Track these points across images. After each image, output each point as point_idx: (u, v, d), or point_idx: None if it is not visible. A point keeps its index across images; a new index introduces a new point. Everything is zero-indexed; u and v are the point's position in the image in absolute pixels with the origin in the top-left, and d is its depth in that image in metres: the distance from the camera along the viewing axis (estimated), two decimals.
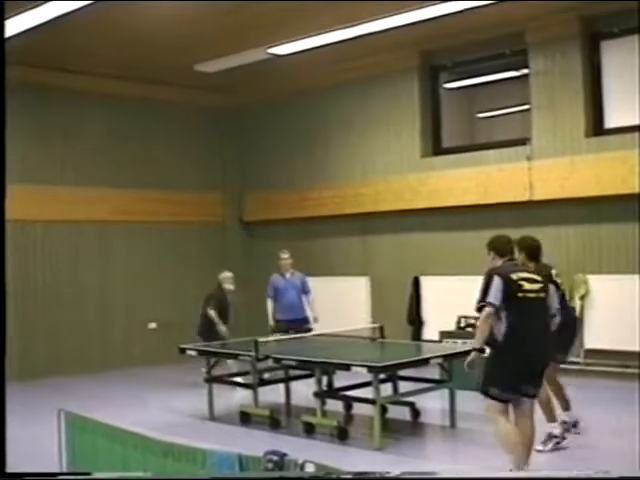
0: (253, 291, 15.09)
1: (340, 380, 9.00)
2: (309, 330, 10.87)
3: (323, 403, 8.54)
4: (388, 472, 3.18)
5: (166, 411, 10.00)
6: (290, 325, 10.95)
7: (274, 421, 8.76)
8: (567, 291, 8.60)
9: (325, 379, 8.87)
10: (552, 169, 11.13)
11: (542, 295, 6.27)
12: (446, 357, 8.55)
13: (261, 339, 8.91)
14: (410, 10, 9.81)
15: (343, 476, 3.42)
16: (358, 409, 8.97)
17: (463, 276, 11.99)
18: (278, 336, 10.60)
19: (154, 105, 14.06)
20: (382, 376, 8.15)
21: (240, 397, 9.82)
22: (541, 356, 6.28)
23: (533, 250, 7.45)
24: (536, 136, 11.48)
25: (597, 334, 10.59)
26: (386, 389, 8.60)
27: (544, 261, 7.62)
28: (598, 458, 7.14)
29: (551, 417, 7.50)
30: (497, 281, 6.12)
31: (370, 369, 7.69)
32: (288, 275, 11.51)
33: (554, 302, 6.55)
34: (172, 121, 14.43)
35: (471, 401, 9.13)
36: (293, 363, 8.69)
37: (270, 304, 11.42)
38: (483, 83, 13.10)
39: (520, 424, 6.27)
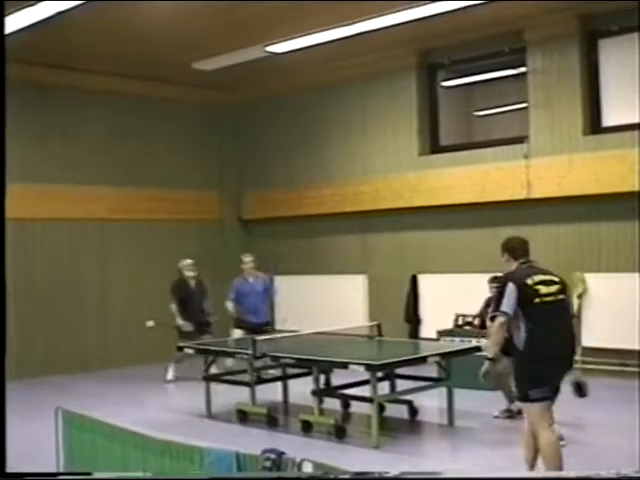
0: None
1: (338, 378, 9.00)
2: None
3: (321, 401, 8.54)
4: (387, 472, 3.17)
5: (164, 409, 10.01)
6: (253, 329, 10.99)
7: (272, 419, 8.76)
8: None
9: (323, 377, 8.86)
10: (550, 167, 11.13)
11: (561, 297, 6.04)
12: (444, 355, 8.56)
13: (259, 337, 8.91)
14: (408, 8, 9.81)
15: (341, 476, 3.42)
16: (356, 407, 8.97)
17: (461, 274, 12.03)
18: (239, 332, 10.95)
19: (153, 103, 14.05)
20: (380, 374, 8.17)
21: (238, 395, 9.81)
22: (565, 359, 6.08)
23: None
24: (534, 134, 11.48)
25: (595, 332, 10.58)
26: (384, 387, 8.61)
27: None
28: (597, 456, 7.15)
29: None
30: (511, 289, 5.89)
31: (368, 367, 7.69)
32: (252, 279, 11.58)
33: (571, 303, 6.36)
34: (171, 119, 14.43)
35: (469, 399, 9.17)
36: (291, 361, 8.70)
37: (230, 305, 11.61)
38: (481, 81, 13.09)
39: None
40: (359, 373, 7.92)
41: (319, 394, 8.44)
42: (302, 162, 14.30)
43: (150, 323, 13.89)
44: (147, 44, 11.69)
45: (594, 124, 11.17)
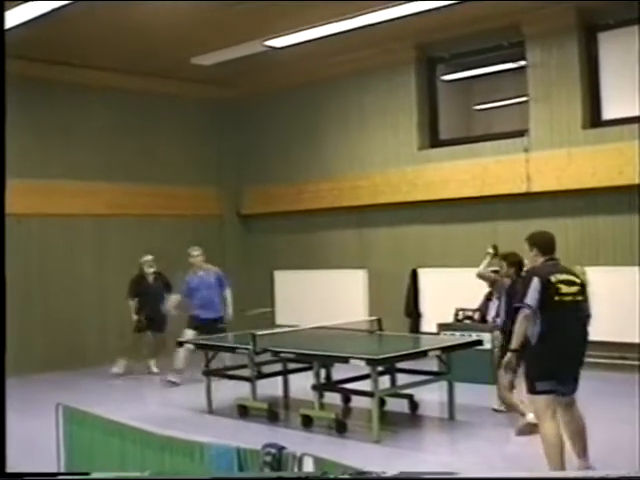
0: (250, 283, 15.12)
1: (338, 373, 9.00)
2: (222, 330, 10.79)
3: (321, 396, 8.54)
4: (384, 472, 3.17)
5: (164, 405, 10.01)
6: (205, 324, 10.97)
7: (272, 414, 8.76)
8: None
9: (323, 372, 8.87)
10: (549, 161, 11.12)
11: (579, 298, 6.14)
12: (444, 349, 8.56)
13: (259, 332, 8.90)
14: (407, 2, 9.79)
15: (340, 476, 3.41)
16: (356, 402, 8.97)
17: (461, 268, 11.99)
18: (190, 332, 10.84)
19: (151, 98, 14.03)
20: (380, 369, 8.17)
21: (238, 390, 9.81)
22: (575, 357, 6.16)
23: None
24: (533, 128, 11.47)
25: (594, 326, 10.52)
26: (384, 382, 8.60)
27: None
28: (597, 451, 7.13)
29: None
30: (536, 283, 5.97)
31: (368, 362, 7.69)
32: (202, 272, 11.41)
33: (588, 303, 6.42)
34: (169, 114, 14.40)
35: (470, 393, 9.17)
36: (291, 356, 8.70)
37: (174, 298, 11.52)
38: (480, 75, 13.08)
39: (567, 418, 6.22)
40: (360, 367, 7.91)
41: (320, 389, 8.44)
42: (301, 157, 14.28)
43: None
44: (145, 39, 11.67)
45: (593, 118, 11.16)
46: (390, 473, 3.07)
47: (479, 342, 8.94)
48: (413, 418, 8.86)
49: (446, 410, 8.58)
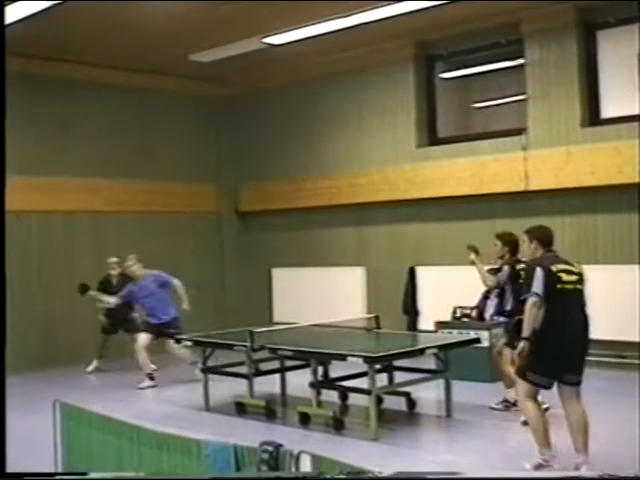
0: (248, 280, 15.13)
1: (336, 370, 8.99)
2: (176, 333, 10.66)
3: (319, 393, 8.52)
4: (381, 472, 3.17)
5: (161, 402, 10.00)
6: (156, 328, 10.98)
7: (270, 412, 8.76)
8: None
9: (321, 369, 8.86)
10: (547, 159, 11.12)
11: (579, 287, 6.48)
12: (442, 347, 8.55)
13: (257, 329, 8.89)
14: (405, 0, 9.78)
15: (337, 476, 3.41)
16: (354, 399, 8.97)
17: (459, 266, 11.98)
18: (144, 336, 10.89)
19: (149, 95, 14.01)
20: (378, 366, 8.16)
21: (236, 388, 9.81)
22: (579, 345, 6.42)
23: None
24: (532, 126, 11.46)
25: (592, 324, 10.56)
26: (382, 379, 8.60)
27: None
28: (597, 450, 7.14)
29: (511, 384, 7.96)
30: (539, 272, 6.30)
31: (366, 359, 7.68)
32: (141, 281, 11.25)
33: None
34: (167, 111, 14.39)
35: (467, 391, 9.17)
36: (289, 353, 8.70)
37: (113, 300, 11.40)
38: (479, 73, 13.07)
39: (569, 410, 6.39)
40: (357, 365, 7.91)
41: (317, 386, 8.43)
42: (299, 154, 14.28)
43: None
44: (144, 36, 11.66)
45: (592, 116, 11.16)
46: (386, 473, 3.07)
47: (477, 340, 8.94)
48: (410, 416, 8.86)
49: (443, 408, 8.58)
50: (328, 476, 3.43)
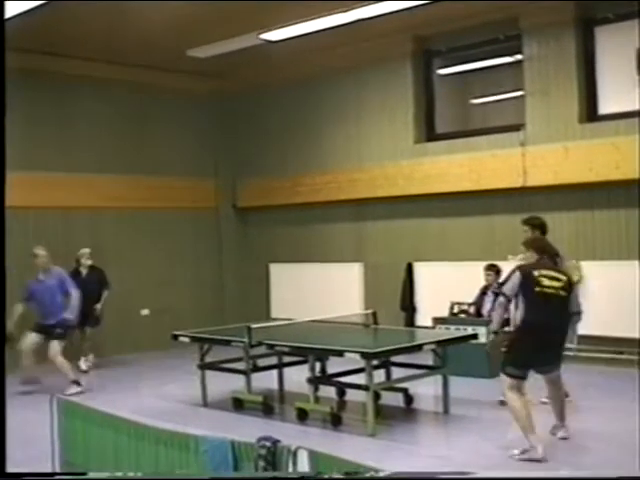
0: (246, 276, 15.13)
1: (333, 366, 8.99)
2: (61, 335, 10.32)
3: (316, 389, 8.53)
4: (377, 472, 3.17)
5: (159, 397, 9.99)
6: (44, 328, 10.43)
7: (267, 407, 8.77)
8: None
9: (318, 365, 8.86)
10: (546, 155, 11.11)
11: (562, 293, 6.92)
12: (439, 343, 8.56)
13: (254, 325, 8.89)
14: None
15: (335, 476, 3.41)
16: (351, 395, 8.97)
17: (457, 262, 12.02)
18: (33, 335, 10.34)
19: (147, 91, 14.00)
20: (375, 362, 8.15)
21: (233, 384, 9.81)
22: (551, 344, 6.96)
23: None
24: (530, 122, 11.46)
25: (590, 320, 10.56)
26: (379, 375, 8.60)
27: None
28: (597, 448, 7.16)
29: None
30: (516, 276, 6.99)
31: (363, 355, 7.69)
32: (42, 276, 10.64)
33: (576, 300, 7.34)
34: (165, 107, 14.37)
35: (464, 387, 9.18)
36: (286, 349, 8.69)
37: (19, 307, 10.48)
38: (477, 69, 13.04)
39: (548, 389, 7.36)
40: (355, 361, 7.92)
41: (315, 382, 8.44)
42: (297, 150, 14.26)
43: (145, 311, 13.90)
44: (142, 31, 11.64)
45: (590, 112, 11.15)
46: (383, 473, 3.07)
47: (474, 336, 8.95)
48: (408, 412, 8.87)
49: (441, 404, 8.59)
50: (326, 476, 3.42)
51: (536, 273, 6.90)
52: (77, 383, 10.33)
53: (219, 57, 12.43)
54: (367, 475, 3.24)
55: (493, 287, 9.86)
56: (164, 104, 14.32)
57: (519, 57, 11.76)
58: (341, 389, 9.21)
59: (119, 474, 4.81)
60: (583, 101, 11.12)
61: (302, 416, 8.32)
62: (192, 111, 14.76)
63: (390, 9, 10.17)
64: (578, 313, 7.51)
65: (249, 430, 7.55)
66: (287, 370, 9.75)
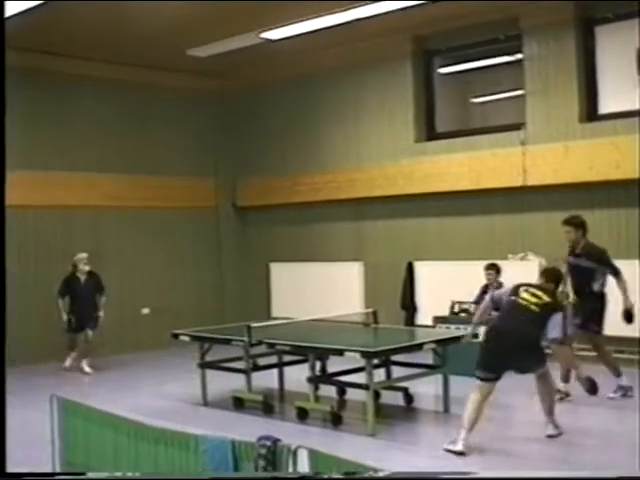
0: (246, 275, 15.13)
1: (333, 365, 8.99)
2: None
3: (316, 388, 8.54)
4: (376, 472, 3.17)
5: (159, 397, 9.99)
6: None
7: (267, 406, 8.77)
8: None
9: (318, 364, 8.86)
10: (546, 154, 11.11)
11: (533, 308, 7.09)
12: (440, 342, 8.55)
13: (254, 324, 8.89)
14: None
15: (334, 476, 3.41)
16: (351, 394, 8.97)
17: (457, 261, 12.02)
18: None
19: (147, 90, 14.00)
20: (375, 361, 8.15)
21: (233, 383, 9.81)
22: (512, 352, 7.08)
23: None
24: (530, 121, 11.45)
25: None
26: (379, 374, 8.60)
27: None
28: (596, 447, 7.17)
29: (616, 372, 8.89)
30: (510, 287, 7.46)
31: (363, 354, 7.68)
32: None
33: (552, 324, 7.08)
34: (165, 106, 14.37)
35: (465, 386, 9.14)
36: (287, 348, 8.69)
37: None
38: (477, 68, 13.05)
39: (536, 386, 7.41)
40: (355, 360, 7.91)
41: (315, 381, 8.44)
42: (297, 149, 14.26)
43: (145, 310, 13.90)
44: (142, 31, 11.64)
45: (590, 111, 11.15)
46: (383, 473, 3.07)
47: (475, 335, 8.93)
48: (408, 411, 8.87)
49: (441, 403, 8.59)
50: (326, 475, 3.43)
51: (522, 287, 7.25)
52: None
53: (219, 56, 12.44)
54: (367, 475, 3.24)
55: (493, 286, 9.90)
56: (164, 104, 14.33)
57: (519, 56, 11.75)
58: (341, 388, 9.21)
59: (119, 474, 4.81)
60: (583, 100, 11.11)
61: (302, 415, 8.32)
62: (192, 110, 14.76)
63: (390, 8, 10.16)
64: (553, 340, 7.15)
65: (249, 429, 7.56)
66: (287, 369, 9.76)
